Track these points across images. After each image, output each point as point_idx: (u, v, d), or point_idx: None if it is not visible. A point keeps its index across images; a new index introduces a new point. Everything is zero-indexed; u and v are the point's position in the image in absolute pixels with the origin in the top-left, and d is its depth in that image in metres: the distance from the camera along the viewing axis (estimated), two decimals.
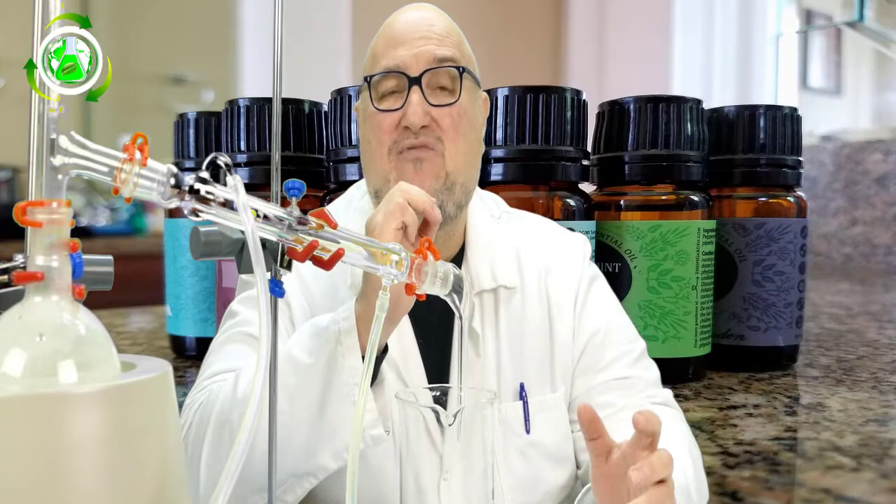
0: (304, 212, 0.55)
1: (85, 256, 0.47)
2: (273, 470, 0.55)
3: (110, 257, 0.52)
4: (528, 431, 0.82)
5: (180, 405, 0.65)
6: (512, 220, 0.93)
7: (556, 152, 1.17)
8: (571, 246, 0.92)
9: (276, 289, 0.52)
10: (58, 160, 0.45)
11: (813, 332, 1.70)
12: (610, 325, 0.88)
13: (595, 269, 0.93)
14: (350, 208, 0.92)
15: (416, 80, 0.81)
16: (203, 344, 1.39)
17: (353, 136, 1.21)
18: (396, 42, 0.83)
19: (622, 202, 1.24)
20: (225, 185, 0.49)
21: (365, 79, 0.84)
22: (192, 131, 1.40)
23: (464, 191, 0.84)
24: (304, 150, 1.29)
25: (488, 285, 0.86)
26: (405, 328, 0.85)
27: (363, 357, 0.68)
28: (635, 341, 0.90)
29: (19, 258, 0.49)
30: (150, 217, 3.52)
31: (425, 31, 0.83)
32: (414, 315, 0.85)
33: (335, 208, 0.93)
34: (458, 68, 0.83)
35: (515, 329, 0.85)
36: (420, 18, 0.85)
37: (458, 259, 0.87)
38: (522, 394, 0.83)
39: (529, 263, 0.89)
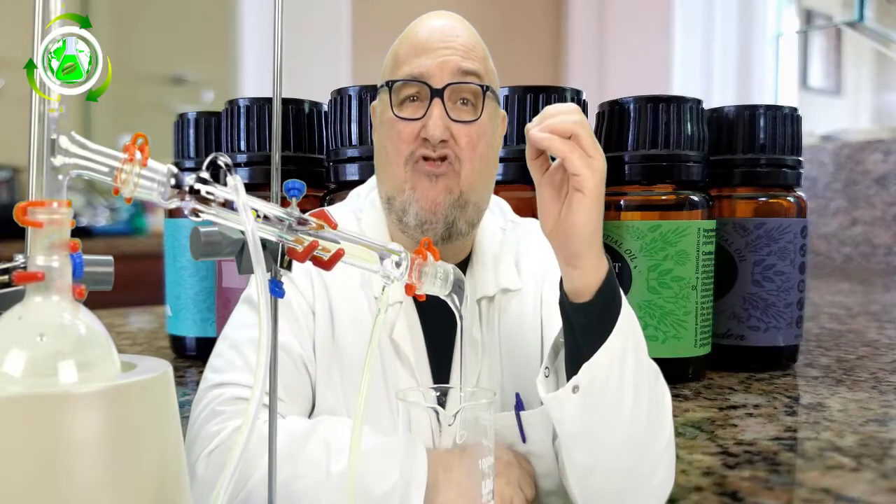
0: (304, 212, 0.55)
1: (85, 256, 0.47)
2: (273, 471, 0.55)
3: (110, 257, 0.52)
4: (524, 441, 0.81)
5: (180, 405, 0.65)
6: (517, 229, 0.93)
7: None
8: None
9: (276, 289, 0.52)
10: (58, 160, 0.45)
11: (813, 332, 1.70)
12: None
13: None
14: (363, 214, 0.91)
15: (438, 92, 0.80)
16: (203, 344, 1.39)
17: (353, 136, 1.21)
18: (420, 50, 0.82)
19: (622, 202, 1.24)
20: (225, 185, 0.49)
21: (386, 83, 0.83)
22: (192, 131, 1.40)
23: (476, 209, 0.84)
24: (304, 150, 1.29)
25: (491, 291, 0.86)
26: (415, 326, 0.85)
27: None
28: None
29: (19, 258, 0.49)
30: (150, 217, 3.52)
31: (451, 41, 0.82)
32: (422, 311, 0.85)
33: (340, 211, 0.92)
34: (481, 86, 0.82)
35: (513, 338, 0.85)
36: (446, 27, 0.83)
37: (462, 267, 0.88)
38: (519, 404, 0.83)
39: (528, 271, 0.89)
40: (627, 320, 0.73)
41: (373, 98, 1.18)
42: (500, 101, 0.87)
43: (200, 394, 0.80)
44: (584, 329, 0.72)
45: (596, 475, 0.74)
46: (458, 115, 0.81)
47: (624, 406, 0.72)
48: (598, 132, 1.31)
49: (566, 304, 0.74)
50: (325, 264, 0.56)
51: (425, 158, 0.82)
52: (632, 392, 0.72)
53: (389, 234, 0.87)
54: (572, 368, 0.73)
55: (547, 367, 0.76)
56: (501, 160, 1.18)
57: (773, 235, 1.30)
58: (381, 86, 0.85)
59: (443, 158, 0.81)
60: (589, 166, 0.71)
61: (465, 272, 0.86)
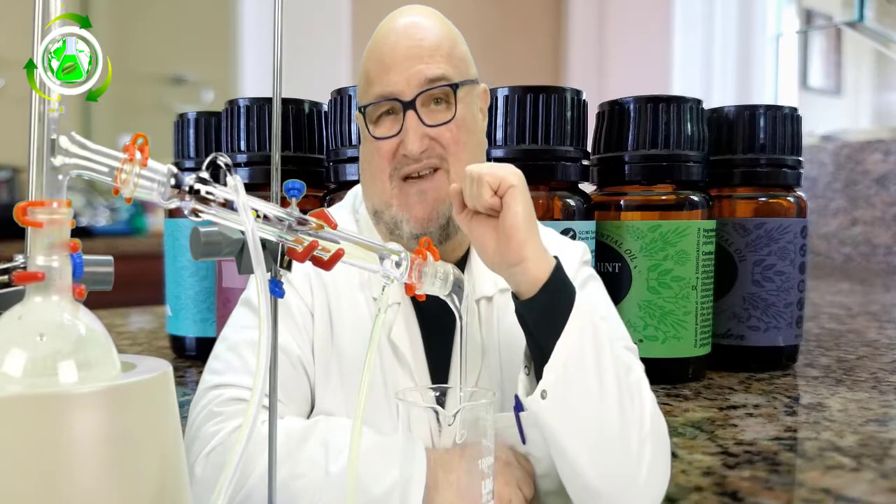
0: (304, 212, 0.55)
1: (85, 256, 0.47)
2: (273, 472, 0.55)
3: (110, 257, 0.52)
4: (523, 442, 0.81)
5: (180, 405, 0.65)
6: None
7: (556, 152, 1.17)
8: (569, 251, 0.91)
9: (276, 289, 0.52)
10: (58, 160, 0.45)
11: (813, 332, 1.70)
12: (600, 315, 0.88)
13: (591, 272, 0.92)
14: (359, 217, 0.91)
15: (410, 105, 0.81)
16: (203, 344, 1.39)
17: (353, 136, 1.21)
18: (386, 66, 0.82)
19: (622, 202, 1.24)
20: (225, 185, 0.49)
21: (359, 108, 0.85)
22: (192, 131, 1.40)
23: None
24: (304, 150, 1.29)
25: (490, 291, 0.86)
26: (414, 328, 0.85)
27: None
28: (627, 341, 0.88)
29: (20, 258, 0.49)
30: (150, 217, 3.52)
31: (414, 49, 0.82)
32: (421, 313, 0.85)
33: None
34: (450, 86, 0.82)
35: (512, 338, 0.85)
36: (409, 29, 0.83)
37: (461, 266, 0.87)
38: (518, 404, 0.83)
39: None
40: (581, 312, 0.74)
41: None
42: (477, 80, 0.87)
43: (199, 395, 0.80)
44: (537, 325, 0.74)
45: (582, 472, 0.74)
46: (434, 119, 0.82)
47: (591, 396, 0.73)
48: (598, 132, 1.31)
49: (518, 307, 0.76)
50: (325, 264, 0.56)
51: (409, 177, 0.83)
52: (596, 381, 0.73)
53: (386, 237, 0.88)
54: (539, 370, 0.74)
55: (527, 367, 0.77)
56: (502, 160, 1.18)
57: (773, 235, 1.30)
58: (357, 108, 0.86)
59: (429, 168, 0.82)
60: (503, 168, 0.75)
61: (463, 272, 0.86)
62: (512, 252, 0.74)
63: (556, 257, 0.77)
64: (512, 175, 0.75)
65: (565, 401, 0.72)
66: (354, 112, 0.90)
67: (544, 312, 0.73)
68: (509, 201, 0.74)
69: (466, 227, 0.78)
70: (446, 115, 0.82)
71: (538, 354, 0.75)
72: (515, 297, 0.76)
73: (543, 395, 0.72)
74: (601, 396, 0.73)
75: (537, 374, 0.75)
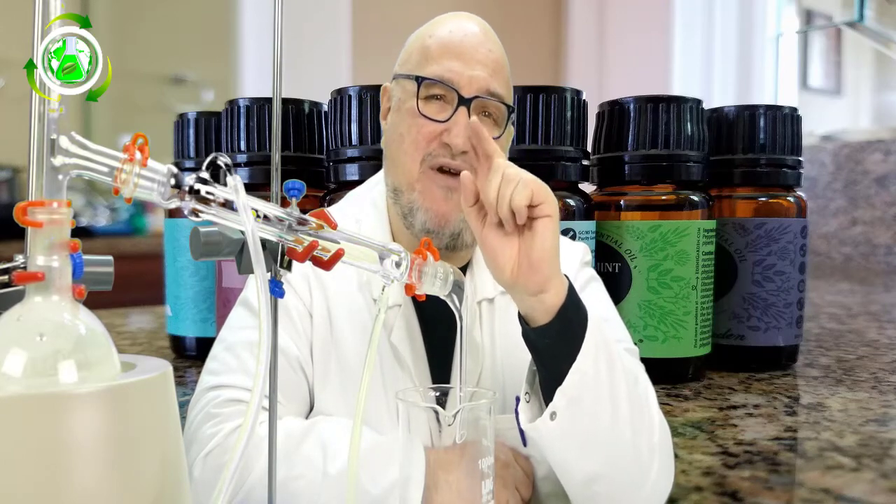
0: (304, 212, 0.55)
1: (85, 256, 0.47)
2: (273, 473, 0.55)
3: (110, 257, 0.52)
4: (524, 444, 0.81)
5: (180, 405, 0.65)
6: None
7: (556, 152, 1.17)
8: (569, 252, 0.91)
9: (276, 289, 0.52)
10: (58, 160, 0.45)
11: (813, 332, 1.70)
12: (601, 318, 0.87)
13: (592, 273, 0.92)
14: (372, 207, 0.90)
15: (467, 102, 0.80)
16: (203, 344, 1.39)
17: (353, 136, 1.21)
18: (453, 52, 0.81)
19: (622, 202, 1.24)
20: (225, 185, 0.49)
21: (416, 78, 0.82)
22: (192, 131, 1.40)
23: None
24: (304, 150, 1.29)
25: (491, 293, 0.86)
26: (415, 330, 0.85)
27: None
28: (628, 342, 0.88)
29: (19, 258, 0.49)
30: (150, 217, 3.52)
31: (484, 56, 0.82)
32: (422, 315, 0.85)
33: (349, 207, 0.92)
34: (508, 107, 0.82)
35: (513, 340, 0.85)
36: (479, 37, 0.83)
37: (463, 269, 0.87)
38: (517, 407, 0.83)
39: None
40: (595, 332, 0.72)
41: (373, 98, 1.17)
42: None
43: (197, 396, 0.80)
44: (551, 350, 0.72)
45: (589, 484, 0.74)
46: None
47: (603, 419, 0.72)
48: (598, 132, 1.31)
49: (529, 332, 0.73)
50: (325, 264, 0.56)
51: (441, 170, 0.81)
52: (609, 403, 0.72)
53: (391, 236, 0.87)
54: (547, 391, 0.73)
55: (528, 393, 0.76)
56: None
57: (773, 235, 1.30)
58: (407, 75, 0.84)
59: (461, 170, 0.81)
60: (548, 190, 0.72)
61: (465, 272, 0.86)
62: (533, 283, 0.71)
63: (566, 276, 0.74)
64: (555, 202, 0.72)
65: (576, 421, 0.71)
66: (395, 81, 0.86)
67: (559, 338, 0.71)
68: (544, 230, 0.71)
69: (478, 230, 0.73)
70: (494, 132, 0.82)
71: (546, 375, 0.73)
72: (524, 320, 0.74)
73: (553, 417, 0.70)
74: (613, 414, 0.72)
75: (544, 393, 0.74)
